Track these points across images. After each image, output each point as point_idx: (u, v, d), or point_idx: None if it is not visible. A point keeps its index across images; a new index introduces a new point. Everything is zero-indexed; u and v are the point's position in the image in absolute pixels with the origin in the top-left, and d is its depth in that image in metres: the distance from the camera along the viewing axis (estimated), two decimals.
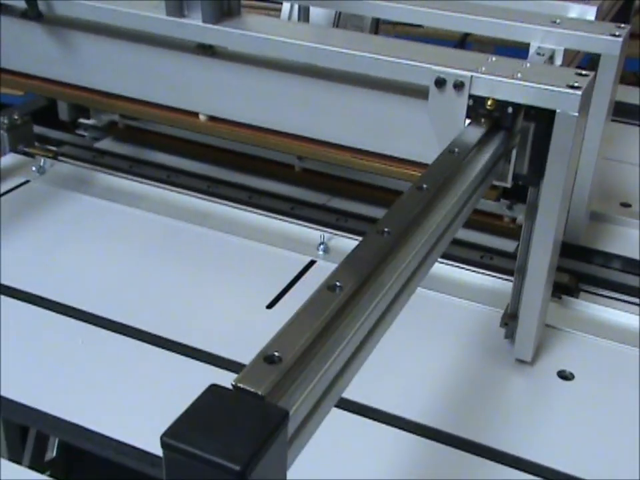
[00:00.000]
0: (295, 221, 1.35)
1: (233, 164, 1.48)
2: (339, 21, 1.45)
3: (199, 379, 0.78)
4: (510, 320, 1.09)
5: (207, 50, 1.12)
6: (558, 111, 0.91)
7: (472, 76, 0.94)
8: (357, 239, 1.26)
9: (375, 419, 0.98)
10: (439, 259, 1.18)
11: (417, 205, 0.76)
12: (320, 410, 0.58)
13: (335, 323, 0.60)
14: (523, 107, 0.94)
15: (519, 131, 0.96)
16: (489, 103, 0.95)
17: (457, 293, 1.20)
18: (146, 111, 1.20)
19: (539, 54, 1.12)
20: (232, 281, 1.21)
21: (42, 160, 1.44)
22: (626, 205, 1.43)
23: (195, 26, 1.07)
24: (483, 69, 0.95)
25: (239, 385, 0.51)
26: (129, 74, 1.17)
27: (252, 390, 0.51)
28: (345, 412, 0.97)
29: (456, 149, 0.87)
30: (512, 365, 1.08)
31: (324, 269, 1.23)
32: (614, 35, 1.12)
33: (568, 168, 0.94)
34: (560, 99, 0.91)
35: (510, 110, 0.94)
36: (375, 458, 0.93)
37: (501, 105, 0.94)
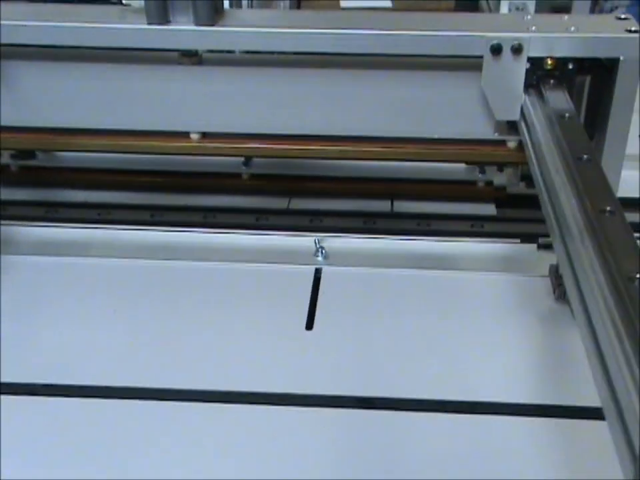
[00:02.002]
0: (271, 232, 1.23)
1: (167, 186, 1.33)
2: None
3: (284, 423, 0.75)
4: (562, 279, 1.06)
5: (192, 58, 0.97)
6: (621, 58, 0.89)
7: (530, 37, 0.89)
8: (347, 237, 1.19)
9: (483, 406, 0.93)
10: (436, 237, 1.16)
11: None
12: None
13: None
14: (583, 60, 0.91)
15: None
16: (549, 62, 0.91)
17: (475, 267, 1.16)
18: (117, 143, 1.03)
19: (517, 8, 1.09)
20: (249, 312, 1.08)
21: None
22: None
23: (188, 32, 0.93)
24: (534, 28, 0.91)
25: None
26: (91, 103, 1.00)
27: None
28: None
29: (567, 114, 0.82)
30: (573, 323, 1.05)
31: (337, 275, 1.15)
32: None
33: (633, 112, 0.92)
34: (622, 46, 0.89)
35: (571, 66, 0.91)
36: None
37: (561, 62, 0.90)
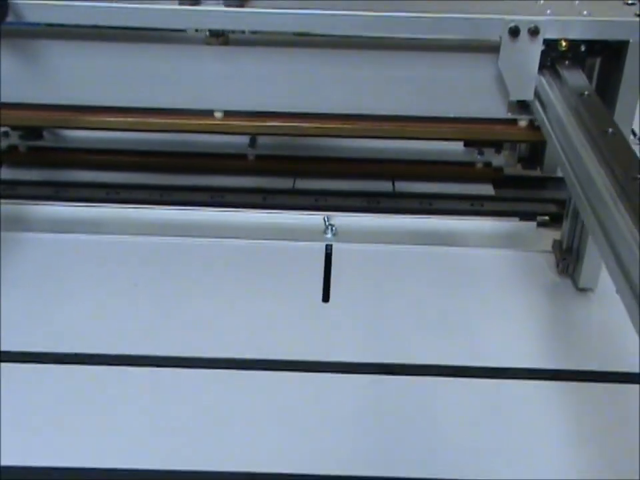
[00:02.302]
0: (280, 211, 1.27)
1: (173, 167, 1.36)
2: None
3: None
4: (567, 255, 1.12)
5: (219, 38, 1.01)
6: (631, 40, 0.94)
7: (547, 20, 0.94)
8: (353, 215, 1.23)
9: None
10: (439, 216, 1.21)
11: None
12: None
13: None
14: (594, 43, 0.96)
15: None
16: (563, 44, 0.96)
17: (479, 244, 1.21)
18: (144, 120, 1.05)
19: None
20: (267, 285, 1.12)
21: None
22: None
23: (218, 12, 0.96)
24: (548, 11, 0.96)
25: None
26: (121, 82, 1.02)
27: None
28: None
29: (585, 92, 0.87)
30: (577, 294, 1.11)
31: (348, 251, 1.19)
32: None
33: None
34: (632, 29, 0.94)
35: (583, 48, 0.96)
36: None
37: (574, 44, 0.96)
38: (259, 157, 1.35)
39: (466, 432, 0.89)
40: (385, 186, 1.35)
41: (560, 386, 0.97)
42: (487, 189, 1.35)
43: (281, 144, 1.34)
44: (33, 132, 1.32)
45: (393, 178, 1.36)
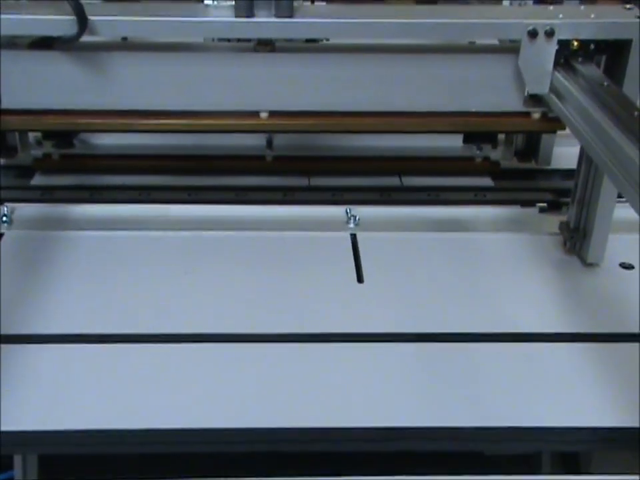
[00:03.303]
0: (302, 206, 1.37)
1: (197, 169, 1.45)
2: None
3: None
4: (574, 234, 1.25)
5: (267, 46, 1.12)
6: (634, 39, 1.09)
7: (561, 23, 1.08)
8: (375, 209, 1.35)
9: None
10: (446, 206, 1.33)
11: None
12: None
13: None
14: (601, 42, 1.10)
15: None
16: (575, 44, 1.09)
17: (489, 229, 1.34)
18: (197, 122, 1.15)
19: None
20: (304, 272, 1.22)
21: (4, 209, 1.30)
22: None
23: (270, 23, 1.07)
24: (561, 15, 1.10)
25: None
26: (175, 87, 1.12)
27: None
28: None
29: (604, 82, 1.01)
30: (585, 269, 1.25)
31: (371, 239, 1.30)
32: None
33: None
34: (634, 29, 1.09)
35: (592, 47, 1.10)
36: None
37: (585, 44, 1.09)
38: (276, 158, 1.45)
39: (504, 385, 1.01)
40: (392, 181, 1.47)
41: (579, 347, 1.10)
42: (486, 182, 1.47)
43: (297, 145, 1.44)
44: (65, 140, 1.40)
45: (399, 173, 1.48)
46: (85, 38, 1.07)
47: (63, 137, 1.40)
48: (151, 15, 1.05)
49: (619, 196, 1.16)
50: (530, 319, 1.13)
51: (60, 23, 1.04)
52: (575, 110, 1.02)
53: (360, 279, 1.20)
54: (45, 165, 1.42)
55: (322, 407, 0.96)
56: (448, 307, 1.14)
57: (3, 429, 0.89)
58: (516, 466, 1.17)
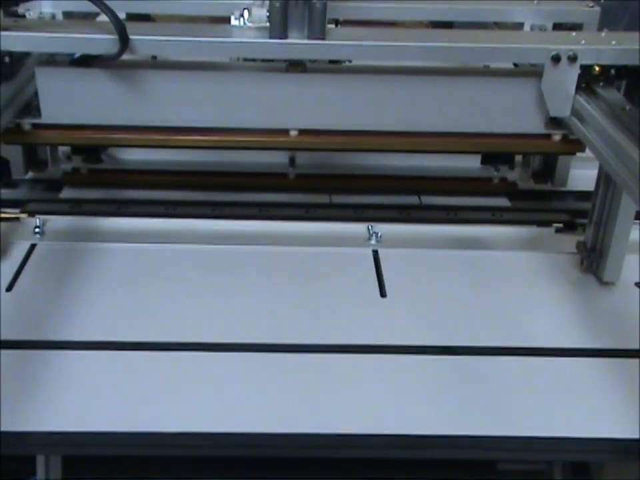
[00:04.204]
0: (323, 222, 1.41)
1: (221, 185, 1.49)
2: None
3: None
4: (591, 253, 1.29)
5: (298, 67, 1.16)
6: None
7: (583, 48, 1.12)
8: (395, 226, 1.38)
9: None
10: (464, 225, 1.37)
11: None
12: None
13: None
14: (621, 67, 1.14)
15: None
16: (597, 69, 1.13)
17: (507, 248, 1.37)
18: (229, 139, 1.19)
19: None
20: (326, 285, 1.25)
21: (36, 221, 1.34)
22: None
23: (303, 45, 1.11)
24: (583, 42, 1.14)
25: None
26: (210, 105, 1.16)
27: None
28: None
29: (627, 107, 1.05)
30: (602, 287, 1.28)
31: (393, 255, 1.34)
32: (590, 7, 1.36)
33: None
34: None
35: (613, 72, 1.14)
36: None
37: (606, 69, 1.14)
38: (299, 176, 1.49)
39: (521, 397, 1.05)
40: (412, 200, 1.51)
41: (594, 361, 1.13)
42: (503, 202, 1.51)
43: (319, 163, 1.48)
44: (94, 155, 1.43)
45: (418, 192, 1.51)
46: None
47: (91, 152, 1.43)
48: (188, 35, 1.09)
49: (636, 217, 1.20)
50: (547, 334, 1.16)
51: (101, 42, 1.07)
52: (596, 132, 1.06)
53: (383, 293, 1.23)
54: (73, 178, 1.45)
55: (344, 414, 0.99)
56: (467, 321, 1.18)
57: (28, 429, 0.92)
58: None
